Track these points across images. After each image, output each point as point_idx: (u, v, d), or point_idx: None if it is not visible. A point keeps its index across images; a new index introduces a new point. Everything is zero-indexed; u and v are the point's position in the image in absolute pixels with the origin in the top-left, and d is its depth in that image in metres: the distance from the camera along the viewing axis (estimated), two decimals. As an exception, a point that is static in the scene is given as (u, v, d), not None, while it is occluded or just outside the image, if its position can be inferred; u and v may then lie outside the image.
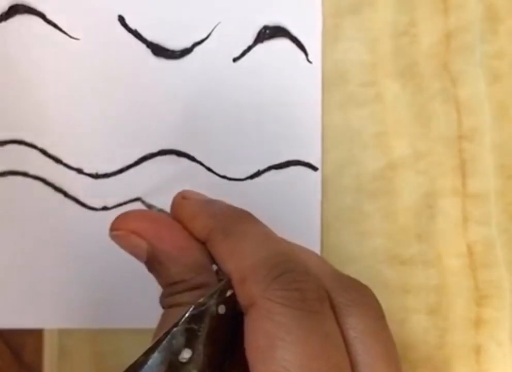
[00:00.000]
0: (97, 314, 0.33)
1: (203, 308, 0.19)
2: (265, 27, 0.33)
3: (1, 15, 0.32)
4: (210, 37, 0.33)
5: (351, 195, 0.34)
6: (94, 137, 0.33)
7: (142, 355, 0.19)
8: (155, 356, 0.19)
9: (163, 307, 0.22)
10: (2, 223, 0.32)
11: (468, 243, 0.34)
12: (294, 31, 0.33)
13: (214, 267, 0.22)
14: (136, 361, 0.18)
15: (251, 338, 0.19)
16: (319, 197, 0.33)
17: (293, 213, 0.33)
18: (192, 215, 0.23)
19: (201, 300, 0.19)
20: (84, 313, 0.33)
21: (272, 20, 0.33)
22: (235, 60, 0.33)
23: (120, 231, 0.23)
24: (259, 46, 0.33)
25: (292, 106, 0.33)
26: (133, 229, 0.22)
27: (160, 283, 0.23)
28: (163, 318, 0.22)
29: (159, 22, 0.32)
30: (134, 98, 0.33)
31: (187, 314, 0.19)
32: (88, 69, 0.32)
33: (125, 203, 0.33)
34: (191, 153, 0.33)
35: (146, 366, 0.18)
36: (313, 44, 0.33)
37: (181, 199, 0.24)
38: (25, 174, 0.32)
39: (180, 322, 0.19)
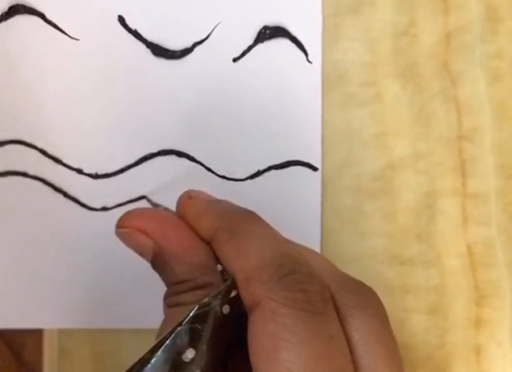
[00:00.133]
0: (97, 315, 0.33)
1: (207, 308, 0.19)
2: (265, 27, 0.33)
3: (1, 15, 0.32)
4: (210, 37, 0.33)
5: (351, 195, 0.34)
6: (94, 137, 0.33)
7: (147, 354, 0.19)
8: (159, 355, 0.18)
9: (167, 306, 0.22)
10: (2, 224, 0.32)
11: (468, 243, 0.34)
12: (294, 31, 0.33)
13: (219, 267, 0.22)
14: (140, 360, 0.18)
15: (254, 339, 0.19)
16: (319, 197, 0.33)
17: (293, 213, 0.33)
18: (198, 215, 0.23)
19: (206, 300, 0.19)
20: (84, 313, 0.33)
21: (272, 21, 0.33)
22: (235, 60, 0.33)
23: (126, 228, 0.23)
24: (259, 46, 0.33)
25: (292, 106, 0.33)
26: (139, 227, 0.22)
27: (165, 282, 0.23)
28: (167, 317, 0.22)
29: (159, 23, 0.32)
30: (134, 98, 0.33)
31: (191, 314, 0.19)
32: (88, 69, 0.32)
33: (125, 203, 0.33)
34: (191, 153, 0.33)
35: (150, 365, 0.18)
36: (313, 44, 0.33)
37: (187, 198, 0.24)
38: (24, 175, 0.32)
39: (185, 322, 0.19)
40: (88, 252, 0.33)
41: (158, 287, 0.33)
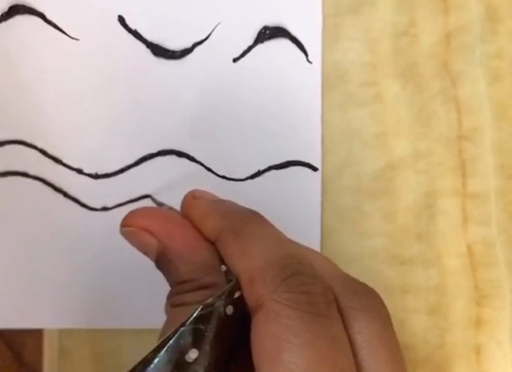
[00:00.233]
0: (97, 315, 0.33)
1: (211, 308, 0.19)
2: (265, 27, 0.33)
3: (1, 15, 0.32)
4: (210, 37, 0.33)
5: (351, 195, 0.34)
6: (94, 137, 0.33)
7: (150, 353, 0.18)
8: (162, 355, 0.18)
9: (171, 306, 0.22)
10: (2, 224, 0.32)
11: (468, 243, 0.34)
12: (294, 32, 0.33)
13: (224, 267, 0.22)
14: (142, 360, 0.18)
15: (257, 340, 0.19)
16: (319, 197, 0.33)
17: (294, 213, 0.33)
18: (203, 215, 0.23)
19: (209, 300, 0.19)
20: (84, 314, 0.33)
21: (272, 21, 0.33)
22: (235, 60, 0.33)
23: (131, 227, 0.23)
24: (259, 47, 0.33)
25: (292, 106, 0.33)
26: (144, 226, 0.22)
27: (169, 281, 0.23)
28: (171, 316, 0.22)
29: (159, 23, 0.32)
30: (134, 98, 0.33)
31: (195, 314, 0.19)
32: (88, 69, 0.32)
33: (125, 203, 0.33)
34: (191, 153, 0.33)
35: (152, 365, 0.18)
36: (313, 44, 0.33)
37: (192, 198, 0.24)
38: (24, 175, 0.32)
39: (188, 322, 0.19)
40: (88, 252, 0.33)
41: (158, 287, 0.33)
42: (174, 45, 0.33)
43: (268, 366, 0.18)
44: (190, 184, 0.31)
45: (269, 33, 0.33)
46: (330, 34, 0.33)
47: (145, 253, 0.23)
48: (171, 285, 0.22)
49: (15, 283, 0.32)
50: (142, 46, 0.32)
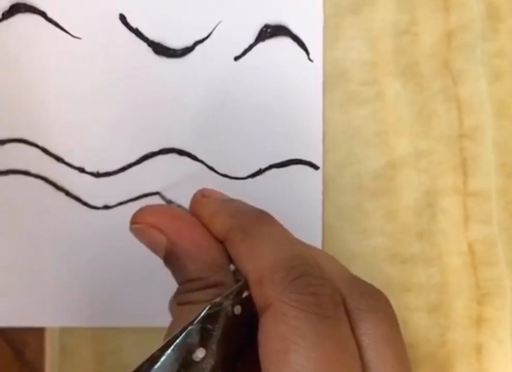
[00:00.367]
0: (99, 313, 0.33)
1: (219, 308, 0.19)
2: (266, 26, 0.33)
3: (2, 14, 0.32)
4: (211, 36, 0.33)
5: (352, 194, 0.34)
6: (95, 135, 0.33)
7: (156, 351, 0.18)
8: (169, 354, 0.18)
9: (178, 304, 0.22)
10: (3, 222, 0.32)
11: (469, 241, 0.34)
12: (295, 30, 0.33)
13: (232, 267, 0.22)
14: (149, 358, 0.18)
15: (265, 340, 0.19)
16: (320, 195, 0.33)
17: (295, 211, 0.33)
18: (212, 214, 0.23)
19: (217, 300, 0.19)
20: (85, 312, 0.33)
21: (273, 19, 0.33)
22: (236, 58, 0.33)
23: (140, 224, 0.23)
24: (260, 45, 0.33)
25: (293, 104, 0.33)
26: (153, 224, 0.22)
27: (177, 279, 0.22)
28: (177, 315, 0.22)
29: (160, 21, 0.32)
30: (136, 97, 0.33)
31: (202, 313, 0.19)
32: (89, 68, 0.32)
33: (127, 201, 0.33)
34: (193, 152, 0.33)
35: (159, 363, 0.18)
36: (314, 42, 0.33)
37: (201, 197, 0.24)
38: (26, 173, 0.32)
39: (196, 321, 0.19)
40: (90, 250, 0.33)
41: (160, 286, 0.33)
42: (175, 43, 0.33)
43: (275, 366, 0.18)
44: (191, 183, 0.31)
45: (270, 31, 0.33)
46: (330, 33, 0.33)
47: (154, 250, 0.23)
48: (179, 283, 0.22)
49: (16, 282, 0.32)
50: (143, 45, 0.32)
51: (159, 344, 0.34)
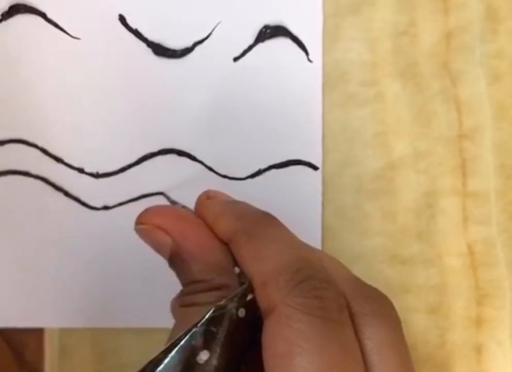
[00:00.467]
0: (98, 314, 0.33)
1: (223, 310, 0.19)
2: (266, 27, 0.33)
3: (2, 14, 0.32)
4: (210, 36, 0.33)
5: (351, 195, 0.34)
6: (94, 136, 0.33)
7: (160, 353, 0.18)
8: (173, 356, 0.18)
9: (182, 305, 0.22)
10: (3, 223, 0.32)
11: (469, 242, 0.34)
12: (295, 31, 0.33)
13: (237, 269, 0.22)
14: (153, 359, 0.18)
15: (269, 343, 0.19)
16: (319, 196, 0.33)
17: (294, 212, 0.33)
18: (216, 216, 0.23)
19: (222, 302, 0.19)
20: (85, 313, 0.33)
21: (272, 20, 0.33)
22: (235, 59, 0.33)
23: (145, 225, 0.23)
24: (259, 46, 0.33)
25: (292, 105, 0.33)
26: (159, 224, 0.22)
27: (181, 280, 0.22)
28: (181, 316, 0.22)
29: (159, 22, 0.32)
30: (135, 97, 0.33)
31: (207, 316, 0.19)
32: (89, 69, 0.32)
33: (126, 202, 0.33)
34: (192, 153, 0.33)
35: (163, 365, 0.18)
36: (314, 43, 0.33)
37: (206, 198, 0.24)
38: (25, 174, 0.32)
39: (200, 323, 0.19)
40: (89, 251, 0.33)
41: (159, 286, 0.33)
42: (175, 44, 0.33)
43: (279, 370, 0.18)
44: (191, 184, 0.31)
45: (270, 32, 0.33)
46: (330, 34, 0.33)
47: (159, 251, 0.23)
48: (183, 284, 0.22)
49: (16, 283, 0.32)
50: (142, 45, 0.32)
51: (159, 344, 0.34)
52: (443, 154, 0.34)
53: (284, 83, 0.33)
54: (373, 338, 0.20)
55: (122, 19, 0.32)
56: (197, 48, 0.33)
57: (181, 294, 0.22)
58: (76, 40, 0.32)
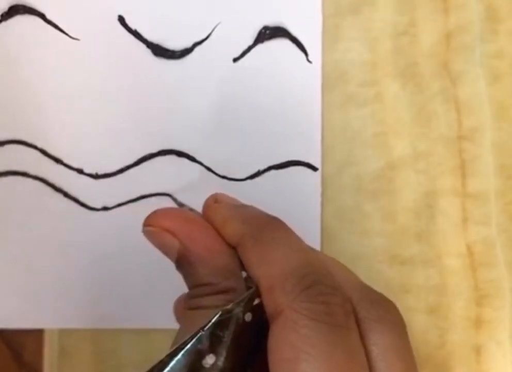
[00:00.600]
0: (97, 315, 0.33)
1: (230, 314, 0.19)
2: (265, 27, 0.33)
3: (1, 15, 0.32)
4: (210, 37, 0.33)
5: (351, 195, 0.34)
6: (94, 137, 0.33)
7: (166, 357, 0.18)
8: (179, 359, 0.18)
9: (188, 308, 0.22)
10: (3, 223, 0.32)
11: (468, 243, 0.34)
12: (294, 32, 0.33)
13: (244, 274, 0.21)
14: (158, 363, 0.18)
15: (275, 348, 0.19)
16: (319, 197, 0.33)
17: (293, 213, 0.33)
18: (224, 219, 0.23)
19: (229, 306, 0.19)
20: (84, 313, 0.33)
21: (272, 21, 0.33)
22: (235, 60, 0.33)
23: (153, 227, 0.23)
24: (259, 46, 0.33)
25: (292, 106, 0.33)
26: (166, 227, 0.22)
27: (187, 283, 0.22)
28: (187, 319, 0.22)
29: (159, 23, 0.32)
30: (134, 98, 0.33)
31: (213, 320, 0.19)
32: (88, 69, 0.32)
33: (126, 203, 0.33)
34: (191, 153, 0.33)
35: (169, 368, 0.18)
36: (313, 44, 0.33)
37: (213, 202, 0.24)
38: (25, 175, 0.32)
39: (206, 327, 0.19)
40: (88, 252, 0.33)
41: (159, 287, 0.33)
42: (174, 45, 0.33)
43: None
44: (190, 184, 0.31)
45: (269, 33, 0.33)
46: (330, 34, 0.33)
47: (166, 253, 0.23)
48: (189, 287, 0.22)
49: (15, 283, 0.32)
50: (142, 46, 0.32)
51: (158, 344, 0.34)
52: (443, 154, 0.34)
53: (283, 84, 0.33)
54: (379, 344, 0.20)
55: (121, 20, 0.32)
56: (197, 49, 0.33)
57: (188, 297, 0.22)
58: (75, 40, 0.32)
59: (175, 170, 0.33)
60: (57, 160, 0.32)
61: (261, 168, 0.33)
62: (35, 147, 0.32)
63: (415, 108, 0.34)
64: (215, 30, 0.33)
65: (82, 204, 0.33)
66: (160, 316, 0.31)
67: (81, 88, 0.32)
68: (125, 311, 0.33)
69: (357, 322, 0.20)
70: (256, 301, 0.20)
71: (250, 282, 0.21)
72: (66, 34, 0.32)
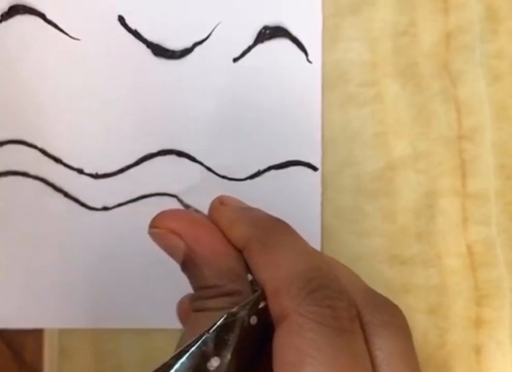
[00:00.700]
0: (98, 315, 0.33)
1: (235, 317, 0.19)
2: (265, 27, 0.33)
3: (1, 15, 0.32)
4: (210, 37, 0.33)
5: (351, 195, 0.34)
6: (94, 137, 0.33)
7: (170, 359, 0.18)
8: (183, 361, 0.18)
9: (193, 310, 0.22)
10: (2, 223, 0.32)
11: (468, 242, 0.34)
12: (294, 31, 0.33)
13: (250, 277, 0.21)
14: (163, 365, 0.18)
15: (280, 352, 0.19)
16: (319, 197, 0.33)
17: (293, 213, 0.33)
18: (230, 222, 0.22)
19: (234, 309, 0.19)
20: (84, 313, 0.33)
21: (272, 21, 0.33)
22: (235, 60, 0.33)
23: (159, 229, 0.22)
24: (259, 46, 0.33)
25: (292, 106, 0.33)
26: (173, 229, 0.22)
27: (192, 285, 0.22)
28: (191, 321, 0.22)
29: (159, 23, 0.32)
30: (135, 98, 0.33)
31: (218, 322, 0.19)
32: (88, 69, 0.32)
33: (126, 203, 0.33)
34: (191, 153, 0.33)
35: (173, 370, 0.18)
36: (313, 44, 0.33)
37: (219, 204, 0.24)
38: (25, 175, 0.32)
39: (212, 330, 0.19)
40: (89, 252, 0.33)
41: (159, 287, 0.33)
42: (174, 45, 0.33)
43: None
44: (190, 184, 0.31)
45: (269, 33, 0.33)
46: (330, 34, 0.33)
47: (172, 255, 0.23)
48: (195, 289, 0.22)
49: (15, 283, 0.32)
50: (142, 46, 0.32)
51: (158, 345, 0.34)
52: (443, 154, 0.34)
53: (283, 84, 0.33)
54: (384, 348, 0.20)
55: (121, 19, 0.32)
56: (197, 49, 0.33)
57: (193, 299, 0.22)
58: (75, 40, 0.32)
59: (175, 170, 0.33)
60: (57, 160, 0.32)
61: (261, 168, 0.33)
62: (35, 147, 0.32)
63: (415, 108, 0.34)
64: (215, 30, 0.33)
65: (82, 204, 0.33)
66: (160, 316, 0.31)
67: (81, 88, 0.32)
68: (125, 311, 0.33)
69: (362, 326, 0.20)
70: (261, 305, 0.20)
71: (255, 285, 0.21)
72: (66, 34, 0.32)
